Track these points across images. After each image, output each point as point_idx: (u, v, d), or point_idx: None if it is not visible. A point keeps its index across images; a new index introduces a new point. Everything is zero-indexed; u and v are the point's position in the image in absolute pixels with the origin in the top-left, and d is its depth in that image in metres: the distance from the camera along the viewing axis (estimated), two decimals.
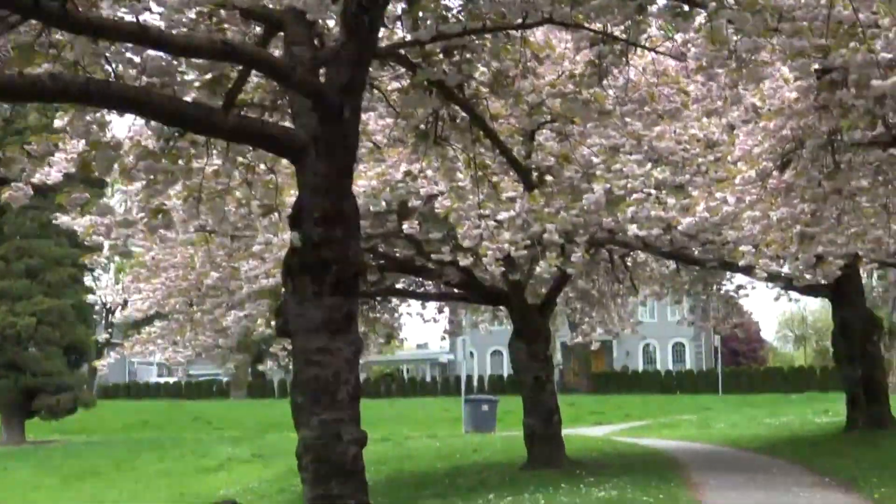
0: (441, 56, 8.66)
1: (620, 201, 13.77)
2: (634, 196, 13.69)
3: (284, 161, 8.48)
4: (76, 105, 7.50)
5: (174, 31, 6.74)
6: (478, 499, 14.93)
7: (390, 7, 8.11)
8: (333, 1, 6.98)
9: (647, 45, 8.87)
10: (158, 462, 32.18)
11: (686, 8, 7.50)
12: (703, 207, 12.98)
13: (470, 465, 21.67)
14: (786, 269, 15.86)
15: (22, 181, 8.02)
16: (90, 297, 31.13)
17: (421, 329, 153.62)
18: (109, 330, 44.97)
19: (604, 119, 10.04)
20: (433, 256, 15.96)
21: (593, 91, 9.21)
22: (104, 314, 55.79)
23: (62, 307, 41.09)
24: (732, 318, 26.40)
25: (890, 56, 8.21)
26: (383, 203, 13.40)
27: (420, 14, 7.97)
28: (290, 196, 8.29)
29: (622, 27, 8.13)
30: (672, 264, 21.96)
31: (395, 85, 9.30)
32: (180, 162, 7.88)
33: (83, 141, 7.95)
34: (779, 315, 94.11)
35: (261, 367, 28.12)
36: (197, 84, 7.82)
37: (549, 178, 11.38)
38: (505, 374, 58.68)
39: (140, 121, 8.29)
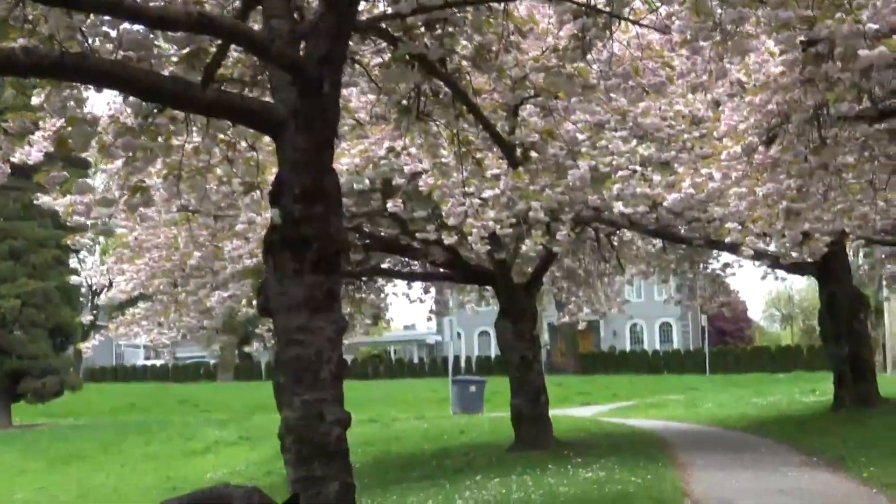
0: (423, 30, 8.54)
1: (606, 178, 13.71)
2: (620, 173, 13.63)
3: (266, 138, 8.34)
4: (52, 80, 7.38)
5: (150, 3, 6.61)
6: (465, 480, 14.89)
7: None
8: None
9: (630, 17, 8.77)
10: (145, 445, 32.16)
11: None
12: (689, 184, 12.92)
13: (457, 446, 21.69)
14: (772, 248, 15.85)
15: (0, 160, 7.92)
16: (75, 279, 30.90)
17: (408, 310, 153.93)
18: (95, 312, 44.79)
19: (588, 93, 9.93)
20: (418, 235, 15.88)
21: (577, 65, 9.11)
22: (90, 296, 55.63)
23: (47, 289, 40.91)
24: (719, 297, 26.41)
25: (877, 27, 8.13)
26: (367, 181, 13.31)
27: None
28: (272, 174, 8.16)
29: None
30: (658, 243, 21.96)
31: (377, 60, 9.17)
32: (160, 139, 7.74)
33: (63, 120, 7.82)
34: (765, 294, 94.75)
35: (247, 349, 28.03)
36: (175, 59, 7.70)
37: (533, 154, 11.28)
38: (493, 355, 58.81)
39: (119, 98, 8.16)
